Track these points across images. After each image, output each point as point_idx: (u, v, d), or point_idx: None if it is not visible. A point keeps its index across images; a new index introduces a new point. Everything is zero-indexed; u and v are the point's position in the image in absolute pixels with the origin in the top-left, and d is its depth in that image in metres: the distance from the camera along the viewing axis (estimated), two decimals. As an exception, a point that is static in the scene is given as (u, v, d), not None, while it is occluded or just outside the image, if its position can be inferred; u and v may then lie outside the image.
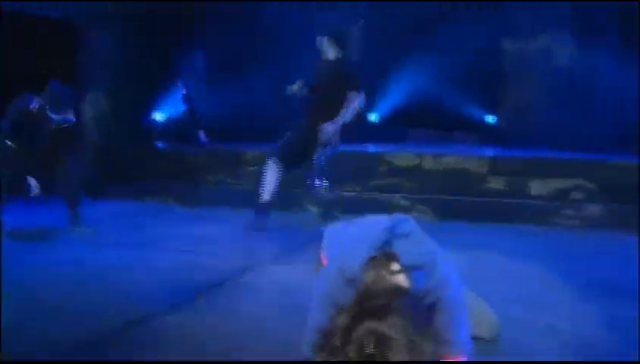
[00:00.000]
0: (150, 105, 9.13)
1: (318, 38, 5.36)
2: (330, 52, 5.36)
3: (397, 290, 1.88)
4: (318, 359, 1.73)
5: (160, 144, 8.92)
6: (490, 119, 9.89)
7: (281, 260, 4.30)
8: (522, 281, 3.74)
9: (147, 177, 7.66)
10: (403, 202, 6.55)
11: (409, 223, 2.15)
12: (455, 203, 6.44)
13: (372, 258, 2.02)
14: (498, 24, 9.04)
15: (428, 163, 6.97)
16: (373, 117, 10.20)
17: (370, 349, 1.64)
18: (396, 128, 9.96)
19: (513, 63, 9.25)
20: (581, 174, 6.40)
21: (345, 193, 6.77)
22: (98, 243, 4.69)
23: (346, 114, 5.23)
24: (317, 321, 2.11)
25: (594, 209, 6.07)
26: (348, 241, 2.26)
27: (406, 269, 2.00)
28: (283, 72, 8.73)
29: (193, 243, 4.77)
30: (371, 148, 7.94)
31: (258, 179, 5.50)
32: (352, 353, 1.64)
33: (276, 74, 9.17)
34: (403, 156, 7.11)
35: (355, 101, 5.22)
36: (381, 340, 1.65)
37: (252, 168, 7.22)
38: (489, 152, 7.52)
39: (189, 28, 9.37)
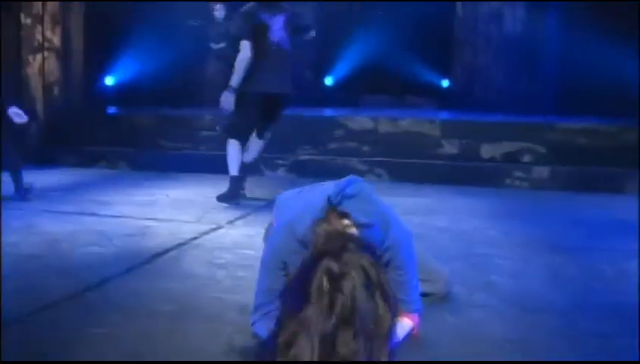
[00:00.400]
0: (102, 69, 8.93)
1: None
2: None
3: (350, 239, 1.88)
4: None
5: (111, 109, 8.75)
6: (443, 83, 10.00)
7: (236, 223, 4.30)
8: (467, 240, 3.85)
9: (97, 142, 7.51)
10: (360, 166, 6.61)
11: (359, 183, 2.16)
12: (410, 166, 6.53)
13: (322, 219, 2.04)
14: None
15: (384, 127, 7.02)
16: (328, 81, 10.21)
17: (327, 286, 1.64)
18: (350, 93, 10.00)
19: (465, 27, 9.33)
20: (531, 137, 6.55)
21: (301, 157, 6.80)
22: (47, 211, 4.60)
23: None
24: (265, 283, 2.13)
25: (542, 171, 6.25)
26: (299, 204, 2.26)
27: (357, 227, 2.02)
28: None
29: (146, 208, 4.73)
30: (327, 112, 7.95)
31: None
32: (313, 294, 1.64)
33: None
34: (358, 120, 7.15)
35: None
36: (335, 276, 1.65)
37: (207, 133, 7.18)
38: (443, 115, 7.63)
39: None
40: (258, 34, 4.85)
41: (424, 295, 2.36)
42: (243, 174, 5.15)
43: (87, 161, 7.35)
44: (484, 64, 9.27)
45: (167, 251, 3.51)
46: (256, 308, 2.15)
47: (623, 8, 8.00)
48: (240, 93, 4.87)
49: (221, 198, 4.97)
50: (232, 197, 4.98)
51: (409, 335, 2.15)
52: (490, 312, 2.58)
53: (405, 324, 2.14)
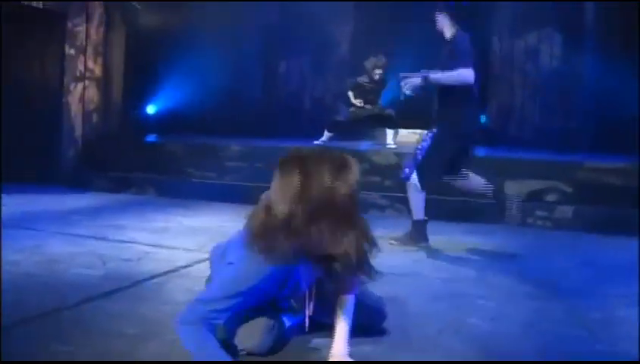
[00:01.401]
0: (142, 98, 9.23)
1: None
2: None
3: None
4: None
5: (150, 137, 9.02)
6: (481, 119, 9.86)
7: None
8: (462, 280, 3.77)
9: (129, 169, 7.75)
10: (381, 201, 6.58)
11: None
12: (430, 202, 6.42)
13: None
14: (485, 24, 9.02)
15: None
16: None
17: None
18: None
19: (502, 63, 9.22)
20: (557, 176, 6.39)
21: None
22: (59, 233, 4.77)
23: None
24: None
25: (566, 210, 6.06)
26: None
27: None
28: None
29: (156, 235, 4.84)
30: (352, 145, 7.96)
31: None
32: None
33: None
34: (383, 154, 7.14)
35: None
36: None
37: (233, 163, 7.32)
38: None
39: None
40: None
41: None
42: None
43: (118, 186, 7.58)
44: (520, 100, 9.12)
45: (153, 277, 3.57)
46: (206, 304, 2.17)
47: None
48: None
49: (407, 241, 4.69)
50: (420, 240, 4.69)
51: None
52: (449, 354, 2.51)
53: None
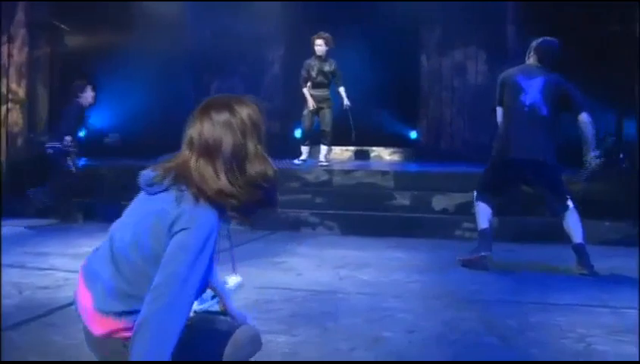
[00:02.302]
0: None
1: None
2: None
3: None
4: None
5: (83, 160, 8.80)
6: (412, 135, 10.08)
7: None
8: (382, 294, 3.81)
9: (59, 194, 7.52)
10: (312, 219, 6.59)
11: None
12: (361, 218, 6.52)
13: None
14: (413, 42, 9.26)
15: (338, 178, 7.05)
16: (297, 133, 10.27)
17: None
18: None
19: (430, 79, 9.47)
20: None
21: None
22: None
23: None
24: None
25: (493, 221, 6.21)
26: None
27: None
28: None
29: (79, 261, 4.68)
30: (285, 164, 7.99)
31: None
32: None
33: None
34: (314, 172, 7.19)
35: None
36: None
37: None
38: (398, 167, 7.67)
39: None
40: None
41: None
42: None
43: (45, 212, 7.34)
44: (449, 116, 9.37)
45: (71, 304, 3.47)
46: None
47: (578, 58, 8.11)
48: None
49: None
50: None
51: None
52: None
53: None
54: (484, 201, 4.88)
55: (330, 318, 3.22)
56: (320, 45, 8.01)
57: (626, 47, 7.43)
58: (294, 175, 7.19)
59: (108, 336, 1.98)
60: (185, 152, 1.91)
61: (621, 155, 8.23)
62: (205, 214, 1.82)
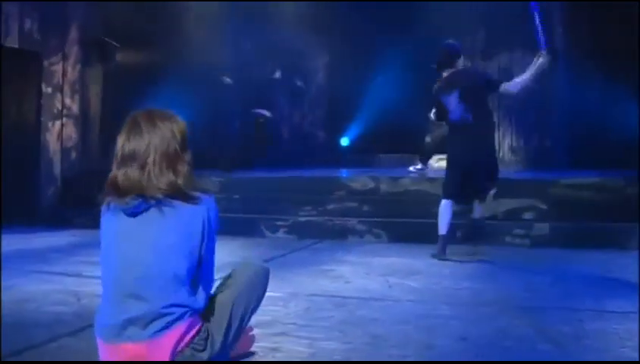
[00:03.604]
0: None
1: None
2: None
3: None
4: None
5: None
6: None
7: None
8: (432, 301, 3.78)
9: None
10: (359, 227, 6.59)
11: None
12: (408, 225, 6.48)
13: None
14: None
15: (385, 186, 7.04)
16: (344, 141, 10.31)
17: None
18: (365, 154, 10.06)
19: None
20: (533, 194, 6.45)
21: (301, 218, 6.84)
22: (34, 272, 4.75)
23: None
24: None
25: (542, 227, 6.11)
26: None
27: None
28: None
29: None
30: (334, 172, 8.03)
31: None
32: None
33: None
34: (360, 180, 7.20)
35: None
36: None
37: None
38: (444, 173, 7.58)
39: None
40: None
41: None
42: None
43: (99, 223, 7.54)
44: (496, 122, 9.23)
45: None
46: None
47: (633, 59, 7.95)
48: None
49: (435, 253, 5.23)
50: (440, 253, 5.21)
51: None
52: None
53: None
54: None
55: (381, 325, 3.21)
56: None
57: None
58: (340, 183, 7.21)
59: (176, 352, 2.10)
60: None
61: None
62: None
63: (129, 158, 2.16)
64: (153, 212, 2.15)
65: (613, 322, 3.27)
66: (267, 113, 8.74)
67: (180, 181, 2.18)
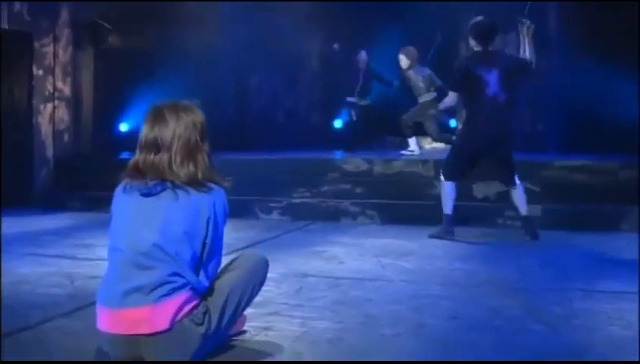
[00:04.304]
0: (113, 116, 9.21)
1: None
2: None
3: None
4: None
5: (124, 154, 8.99)
6: (451, 123, 9.96)
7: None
8: (424, 282, 3.81)
9: (102, 187, 7.71)
10: (352, 208, 6.61)
11: None
12: (401, 207, 6.51)
13: None
14: (453, 31, 9.15)
15: (378, 168, 7.05)
16: (337, 124, 10.28)
17: None
18: (365, 135, 10.03)
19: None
20: (525, 176, 6.46)
21: (295, 200, 6.85)
22: (29, 254, 4.75)
23: None
24: None
25: (534, 209, 6.12)
26: None
27: None
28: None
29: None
30: (325, 154, 8.03)
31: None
32: None
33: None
34: (353, 162, 7.20)
35: None
36: None
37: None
38: (438, 155, 7.60)
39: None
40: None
41: None
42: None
43: (92, 205, 7.52)
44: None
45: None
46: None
47: (628, 42, 7.94)
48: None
49: (435, 233, 5.29)
50: (446, 234, 5.25)
51: None
52: (407, 355, 2.55)
53: None
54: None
55: (373, 305, 3.24)
56: None
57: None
58: (334, 165, 7.22)
59: (175, 321, 2.15)
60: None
61: None
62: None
63: (152, 145, 2.32)
64: (167, 195, 2.29)
65: (603, 302, 3.32)
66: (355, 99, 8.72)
67: (199, 172, 2.32)
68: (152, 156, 2.31)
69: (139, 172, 2.32)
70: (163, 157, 2.30)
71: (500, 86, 5.02)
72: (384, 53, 9.30)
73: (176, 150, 2.30)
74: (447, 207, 5.26)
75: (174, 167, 2.29)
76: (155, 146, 2.31)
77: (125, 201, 2.36)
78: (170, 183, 2.29)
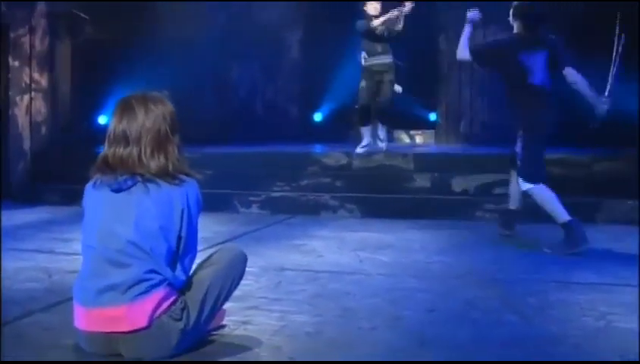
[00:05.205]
0: (91, 109, 9.12)
1: None
2: None
3: None
4: None
5: (101, 148, 8.91)
6: (431, 117, 10.05)
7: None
8: (401, 275, 3.85)
9: (80, 180, 7.64)
10: (332, 202, 6.63)
11: None
12: (381, 201, 6.54)
13: None
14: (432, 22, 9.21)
15: (357, 162, 7.08)
16: (317, 117, 10.31)
17: None
18: (339, 129, 10.07)
19: (449, 61, 9.38)
20: (504, 169, 6.53)
21: (274, 194, 6.85)
22: (6, 249, 4.68)
23: None
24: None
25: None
26: None
27: None
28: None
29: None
30: (306, 148, 8.04)
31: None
32: None
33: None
34: (333, 155, 7.22)
35: None
36: None
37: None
38: (419, 149, 7.68)
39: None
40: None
41: None
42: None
43: (70, 198, 7.45)
44: (468, 97, 9.33)
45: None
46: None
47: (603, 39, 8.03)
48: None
49: (563, 248, 4.42)
50: (578, 243, 4.38)
51: None
52: (384, 347, 2.58)
53: None
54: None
55: (351, 299, 3.27)
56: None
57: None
58: (313, 159, 7.23)
59: (153, 318, 2.15)
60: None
61: None
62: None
63: (121, 138, 2.28)
64: (138, 189, 2.26)
65: (577, 293, 3.38)
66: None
67: (170, 164, 2.29)
68: (121, 149, 2.27)
69: (108, 166, 2.29)
70: (132, 150, 2.26)
71: (547, 73, 4.62)
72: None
73: (145, 142, 2.27)
74: (561, 214, 4.51)
75: (144, 159, 2.25)
76: (124, 139, 2.27)
77: (96, 197, 2.33)
78: (141, 176, 2.26)
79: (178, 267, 2.31)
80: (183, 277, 2.33)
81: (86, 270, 2.32)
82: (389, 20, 6.88)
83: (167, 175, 2.27)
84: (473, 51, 4.82)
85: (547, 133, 4.70)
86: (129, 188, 2.25)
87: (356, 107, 7.40)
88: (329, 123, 10.31)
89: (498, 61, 4.77)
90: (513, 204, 5.11)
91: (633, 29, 7.97)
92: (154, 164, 2.26)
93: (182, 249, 2.31)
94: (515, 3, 4.80)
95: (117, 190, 2.26)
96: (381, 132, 7.42)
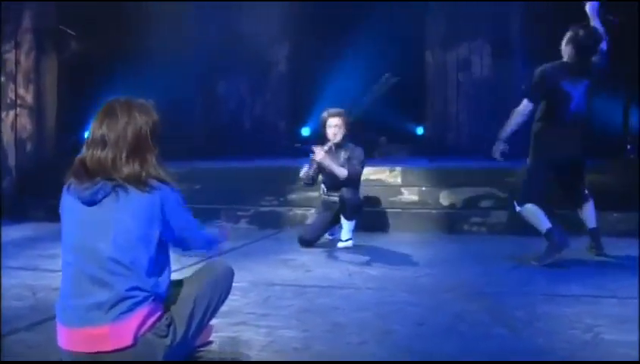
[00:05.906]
0: (77, 124, 9.09)
1: None
2: None
3: None
4: None
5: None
6: (418, 130, 10.09)
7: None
8: (391, 289, 3.85)
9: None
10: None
11: None
12: (368, 215, 6.51)
13: None
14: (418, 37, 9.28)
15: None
16: (305, 131, 10.32)
17: None
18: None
19: (435, 74, 9.47)
20: (491, 183, 6.57)
21: (262, 209, 6.83)
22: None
23: None
24: None
25: (500, 215, 6.23)
26: None
27: None
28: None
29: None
30: (293, 162, 8.01)
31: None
32: None
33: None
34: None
35: None
36: None
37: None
38: (407, 163, 7.69)
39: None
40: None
41: None
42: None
43: (56, 214, 7.37)
44: (454, 110, 9.39)
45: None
46: None
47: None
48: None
49: (546, 256, 4.47)
50: (560, 247, 4.48)
51: None
52: (371, 362, 2.56)
53: None
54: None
55: (340, 313, 3.26)
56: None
57: (632, 37, 7.46)
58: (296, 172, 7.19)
59: (138, 336, 2.12)
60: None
61: (628, 147, 8.22)
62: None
63: (99, 142, 2.22)
64: (110, 200, 2.20)
65: (563, 305, 3.39)
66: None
67: (143, 172, 2.23)
68: (98, 152, 2.21)
69: (85, 170, 2.21)
70: (109, 153, 2.20)
71: (585, 102, 4.59)
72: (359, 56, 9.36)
73: (122, 147, 2.21)
74: (543, 224, 4.55)
75: (118, 163, 2.20)
76: (102, 142, 2.21)
77: (70, 208, 2.26)
78: (113, 183, 2.19)
79: (161, 274, 2.28)
80: (164, 287, 2.28)
81: (66, 288, 2.26)
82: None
83: (137, 182, 2.20)
84: (526, 94, 4.79)
85: (561, 160, 4.70)
86: (100, 201, 2.19)
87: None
88: (317, 137, 10.30)
89: (545, 92, 4.66)
90: (590, 223, 4.90)
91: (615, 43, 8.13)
92: (127, 170, 2.20)
93: (162, 254, 2.29)
94: (573, 27, 4.61)
95: (90, 203, 2.19)
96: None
